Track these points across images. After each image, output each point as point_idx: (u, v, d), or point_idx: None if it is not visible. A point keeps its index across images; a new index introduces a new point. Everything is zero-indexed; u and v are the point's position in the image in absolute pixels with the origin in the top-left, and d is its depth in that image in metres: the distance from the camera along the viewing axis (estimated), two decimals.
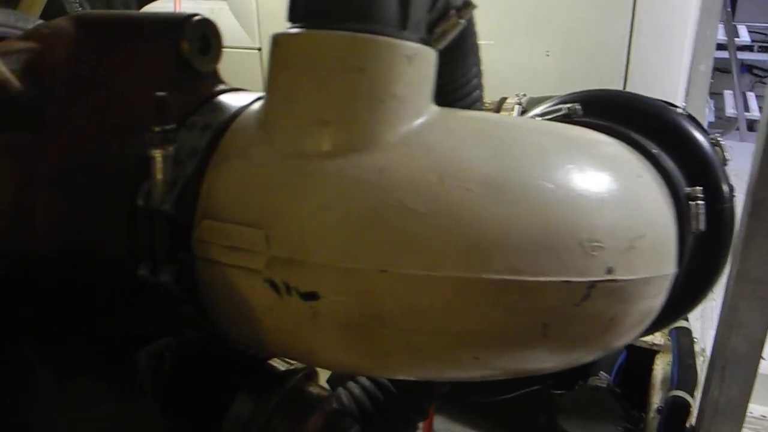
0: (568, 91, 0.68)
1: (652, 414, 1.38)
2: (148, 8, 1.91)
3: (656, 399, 1.45)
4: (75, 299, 0.44)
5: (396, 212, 0.36)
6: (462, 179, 0.37)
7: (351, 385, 0.58)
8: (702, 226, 0.47)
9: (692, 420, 1.28)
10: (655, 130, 0.54)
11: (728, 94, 3.99)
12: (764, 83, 4.61)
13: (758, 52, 4.58)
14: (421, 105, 0.40)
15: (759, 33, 4.53)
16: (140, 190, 0.40)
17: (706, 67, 2.06)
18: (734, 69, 3.77)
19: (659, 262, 0.42)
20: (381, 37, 0.37)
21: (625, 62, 1.40)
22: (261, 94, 0.46)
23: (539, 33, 1.48)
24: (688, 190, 0.48)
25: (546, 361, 0.41)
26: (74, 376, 0.45)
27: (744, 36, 4.13)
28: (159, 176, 0.39)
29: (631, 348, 1.60)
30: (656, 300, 0.44)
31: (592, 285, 0.38)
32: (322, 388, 0.51)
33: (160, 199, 0.39)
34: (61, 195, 0.43)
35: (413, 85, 0.39)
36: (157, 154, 0.39)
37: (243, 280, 0.38)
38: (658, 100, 0.64)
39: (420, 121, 0.39)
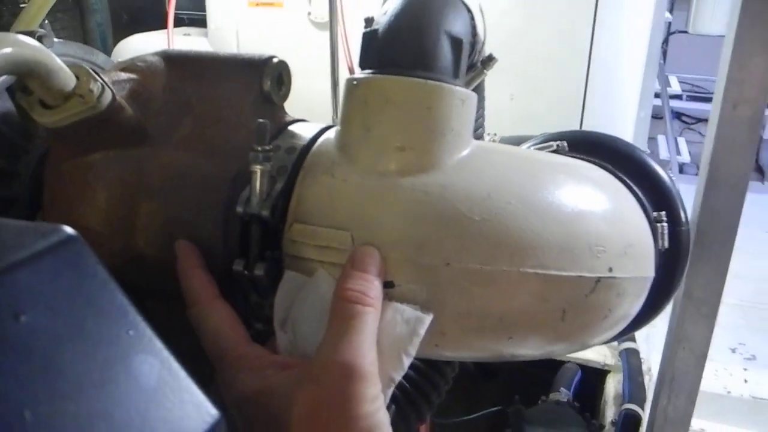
0: (531, 132, 0.79)
1: (607, 427, 1.51)
2: (132, 41, 1.97)
3: (609, 413, 1.59)
4: (168, 295, 0.52)
5: (456, 219, 0.46)
6: (504, 195, 0.47)
7: None
8: (666, 244, 0.59)
9: (642, 430, 1.42)
10: (627, 165, 0.65)
11: (661, 139, 4.33)
12: (692, 129, 5.04)
13: (687, 100, 5.02)
14: (468, 138, 0.51)
15: (687, 83, 4.98)
16: (239, 199, 0.49)
17: (646, 114, 2.27)
18: (667, 116, 4.10)
19: (644, 266, 0.54)
20: (444, 84, 0.48)
21: (581, 107, 1.57)
22: (324, 124, 0.56)
23: (505, 78, 1.64)
24: (655, 213, 0.59)
25: (561, 343, 0.52)
26: None
27: (675, 86, 4.50)
28: (259, 188, 0.48)
29: (585, 368, 1.74)
30: (640, 298, 0.55)
31: (598, 280, 0.49)
32: None
33: (259, 206, 0.48)
34: (160, 204, 0.51)
35: (465, 122, 0.50)
36: (258, 169, 0.48)
37: (330, 272, 0.47)
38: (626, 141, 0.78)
39: (468, 150, 0.50)
